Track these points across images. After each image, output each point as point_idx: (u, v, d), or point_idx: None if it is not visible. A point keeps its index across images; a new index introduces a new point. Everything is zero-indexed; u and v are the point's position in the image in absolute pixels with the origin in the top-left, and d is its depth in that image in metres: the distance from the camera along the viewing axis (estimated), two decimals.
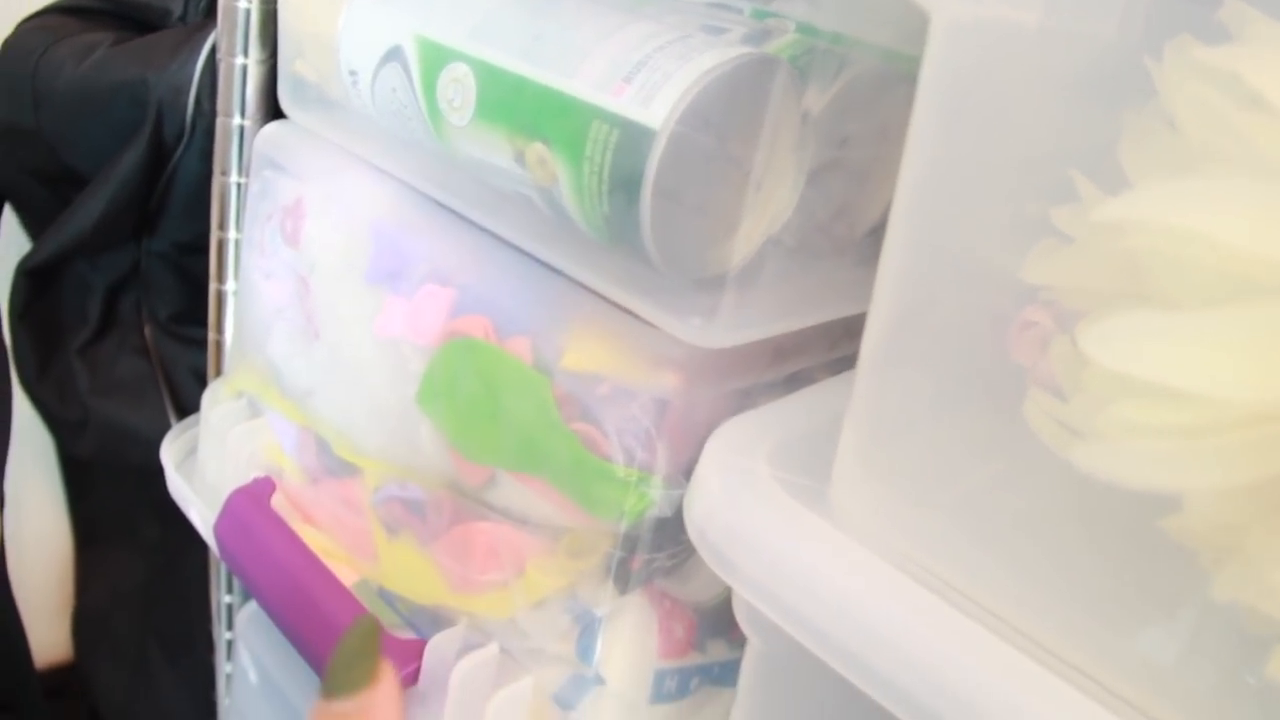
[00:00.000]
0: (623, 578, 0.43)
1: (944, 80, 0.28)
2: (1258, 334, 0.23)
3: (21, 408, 0.84)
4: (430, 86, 0.43)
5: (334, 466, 0.52)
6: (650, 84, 0.35)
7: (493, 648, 0.45)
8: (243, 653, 0.69)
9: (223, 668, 0.75)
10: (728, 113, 0.35)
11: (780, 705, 0.38)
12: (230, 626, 0.73)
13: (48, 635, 1.07)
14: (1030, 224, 0.27)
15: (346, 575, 0.51)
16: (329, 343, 0.51)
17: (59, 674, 1.08)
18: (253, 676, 0.69)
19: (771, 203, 0.37)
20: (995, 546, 0.30)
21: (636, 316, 0.39)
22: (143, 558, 0.91)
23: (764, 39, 0.37)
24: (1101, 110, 0.26)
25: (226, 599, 0.73)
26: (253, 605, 0.70)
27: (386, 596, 0.50)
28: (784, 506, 0.33)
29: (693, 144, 0.35)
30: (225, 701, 0.76)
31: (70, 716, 1.06)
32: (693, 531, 0.35)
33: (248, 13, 0.55)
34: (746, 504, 0.34)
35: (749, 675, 0.37)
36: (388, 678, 0.37)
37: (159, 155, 0.66)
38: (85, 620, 1.00)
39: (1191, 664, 0.27)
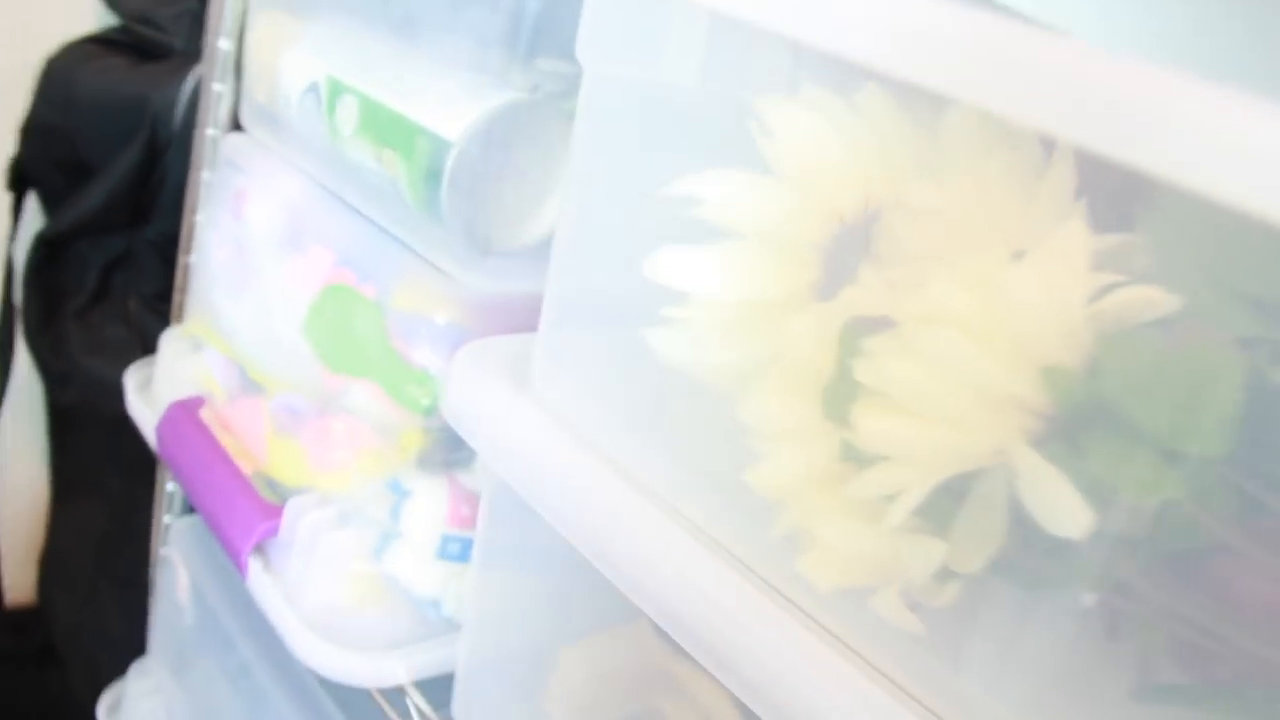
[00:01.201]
0: (427, 464, 0.63)
1: (588, 119, 0.49)
2: (738, 260, 0.43)
3: (19, 372, 1.05)
4: (331, 110, 0.64)
5: (248, 386, 0.72)
6: (454, 114, 0.56)
7: (332, 509, 0.64)
8: (176, 559, 0.88)
9: (157, 579, 0.94)
10: (501, 135, 0.56)
11: (505, 536, 0.57)
12: (166, 544, 0.93)
13: (20, 578, 1.26)
14: (649, 221, 0.46)
15: (246, 467, 0.71)
16: (253, 292, 0.71)
17: (24, 614, 1.26)
18: (182, 577, 0.88)
19: (537, 201, 0.57)
20: (631, 428, 0.49)
21: (440, 269, 0.60)
22: (105, 508, 1.10)
23: (537, 90, 0.58)
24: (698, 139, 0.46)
25: (167, 519, 0.93)
26: (185, 520, 0.90)
27: (272, 483, 0.70)
28: (503, 393, 0.53)
29: (475, 153, 0.56)
30: (157, 608, 0.95)
31: (29, 648, 1.24)
32: (446, 413, 0.55)
33: (225, 53, 0.76)
34: (477, 391, 0.54)
35: (485, 519, 0.56)
36: None
37: (152, 155, 0.88)
38: (48, 561, 1.19)
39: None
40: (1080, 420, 0.33)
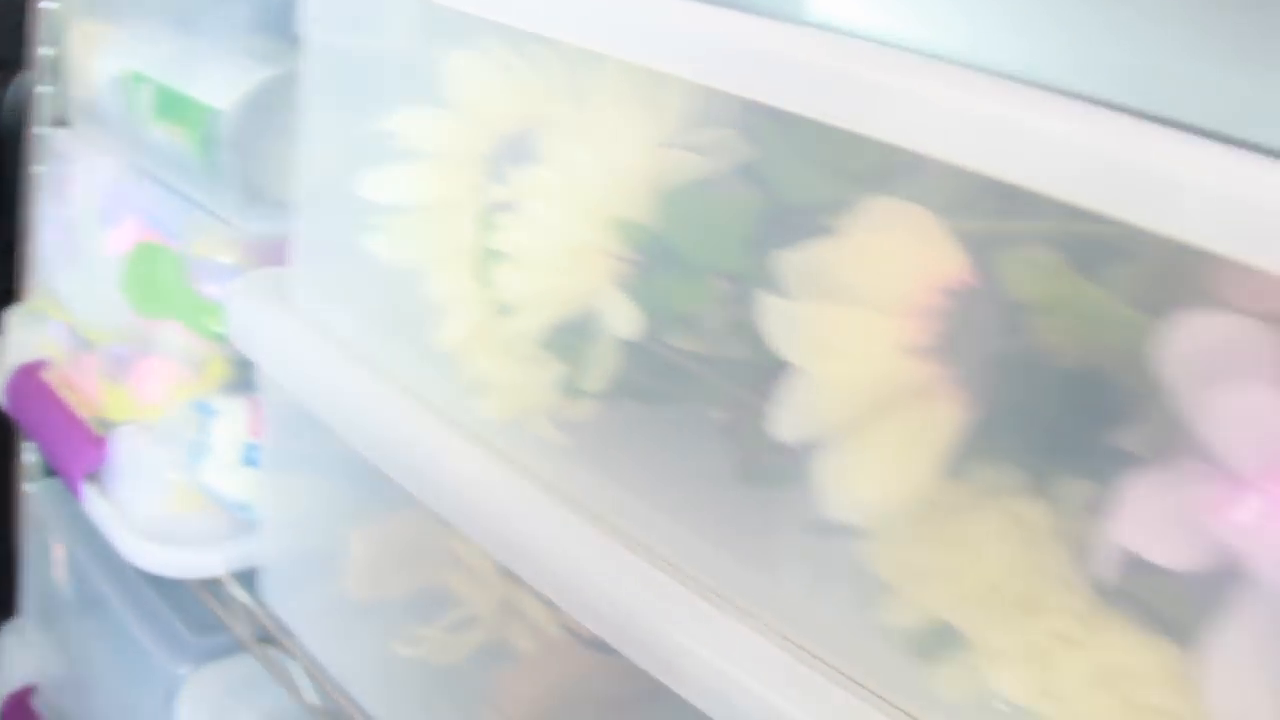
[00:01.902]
0: (233, 388, 0.76)
1: (311, 80, 0.62)
2: (422, 173, 0.56)
3: None
4: (135, 96, 0.77)
5: (82, 345, 0.85)
6: (224, 90, 0.70)
7: (151, 433, 0.77)
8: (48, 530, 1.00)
9: (24, 545, 1.05)
10: (263, 103, 0.69)
11: (287, 438, 0.71)
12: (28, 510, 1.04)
13: None
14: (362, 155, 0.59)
15: (85, 413, 0.83)
16: (81, 264, 0.84)
17: None
18: (59, 551, 0.99)
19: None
20: (370, 323, 0.62)
21: (226, 220, 0.73)
22: None
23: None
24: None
25: (27, 487, 1.04)
26: (42, 483, 1.01)
27: (106, 423, 0.83)
28: (270, 310, 0.66)
29: (241, 120, 0.69)
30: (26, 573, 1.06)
31: None
32: (228, 331, 0.68)
33: (48, 58, 0.89)
34: (254, 308, 0.67)
35: (269, 424, 0.69)
36: None
37: None
38: None
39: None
40: (652, 259, 0.47)
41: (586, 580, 0.46)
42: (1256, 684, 0.32)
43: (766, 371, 0.41)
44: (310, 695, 0.68)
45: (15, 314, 0.89)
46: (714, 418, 0.48)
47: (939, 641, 0.39)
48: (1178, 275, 0.33)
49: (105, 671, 0.90)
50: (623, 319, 0.44)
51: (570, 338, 0.48)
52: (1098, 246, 0.34)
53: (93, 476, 0.75)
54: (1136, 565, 0.35)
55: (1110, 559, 0.33)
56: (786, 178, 0.44)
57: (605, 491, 0.48)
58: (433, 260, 0.53)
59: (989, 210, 0.38)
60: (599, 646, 0.61)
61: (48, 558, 0.99)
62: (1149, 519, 0.32)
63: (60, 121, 0.88)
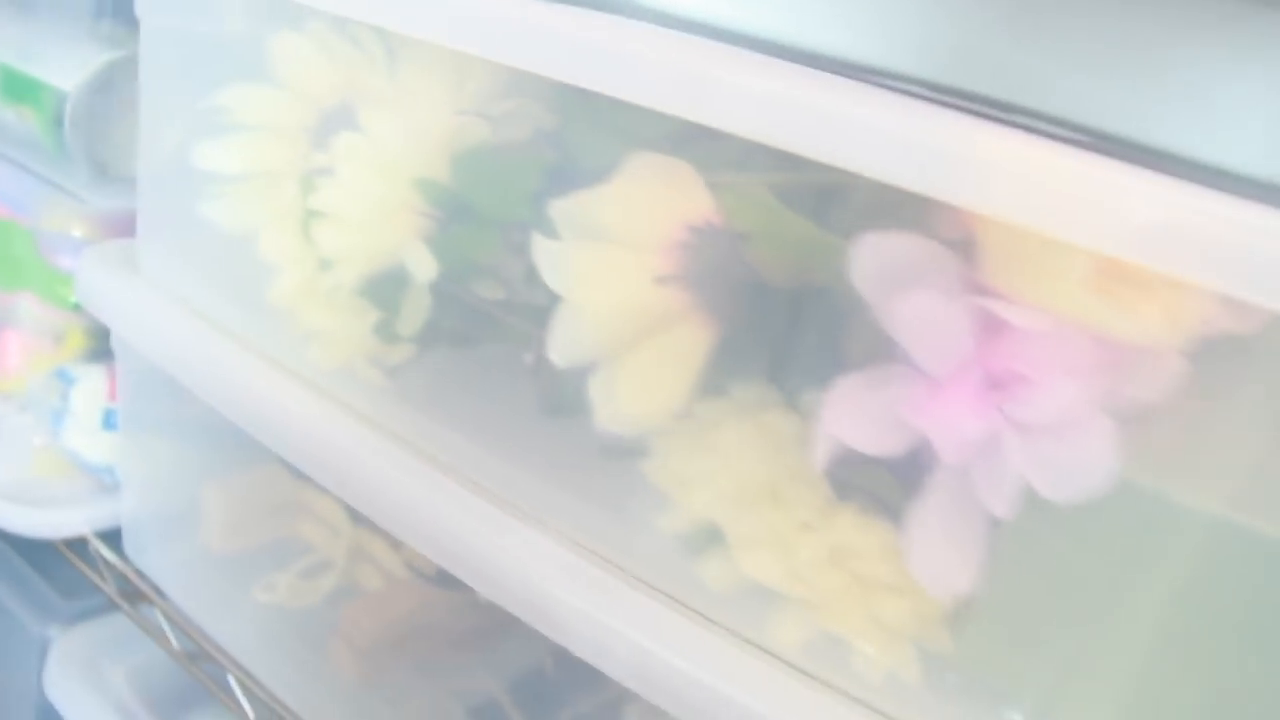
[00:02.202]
0: (87, 357, 0.80)
1: (148, 60, 0.67)
2: (251, 143, 0.61)
3: None
4: None
5: None
6: (69, 71, 0.74)
7: (13, 404, 0.81)
8: None
9: None
10: (107, 84, 0.74)
11: (140, 400, 0.75)
12: None
13: None
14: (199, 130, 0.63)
15: None
16: None
17: None
18: None
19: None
20: (211, 284, 0.67)
21: (75, 195, 0.77)
22: None
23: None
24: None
25: None
26: None
27: None
28: (119, 277, 0.70)
29: (88, 100, 0.73)
30: None
31: None
32: (80, 298, 0.72)
33: None
34: (104, 275, 0.71)
35: (122, 387, 0.74)
36: None
37: None
38: None
39: None
40: (449, 214, 0.53)
41: (414, 507, 0.51)
42: (946, 548, 0.39)
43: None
44: (176, 644, 0.73)
45: None
46: (519, 358, 0.54)
47: (705, 539, 0.45)
48: (872, 207, 0.39)
49: None
50: (423, 267, 0.49)
51: (385, 288, 0.54)
52: (811, 188, 0.41)
53: None
54: (859, 460, 0.42)
55: (824, 450, 0.39)
56: (576, 142, 0.50)
57: (426, 428, 0.54)
58: (263, 223, 0.58)
59: (733, 162, 0.44)
60: (441, 583, 0.67)
61: None
62: (856, 414, 0.39)
63: None
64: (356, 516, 0.71)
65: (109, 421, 0.75)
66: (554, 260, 0.42)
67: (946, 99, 0.48)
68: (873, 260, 0.36)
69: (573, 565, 0.47)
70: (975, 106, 0.56)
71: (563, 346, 0.42)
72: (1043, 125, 0.49)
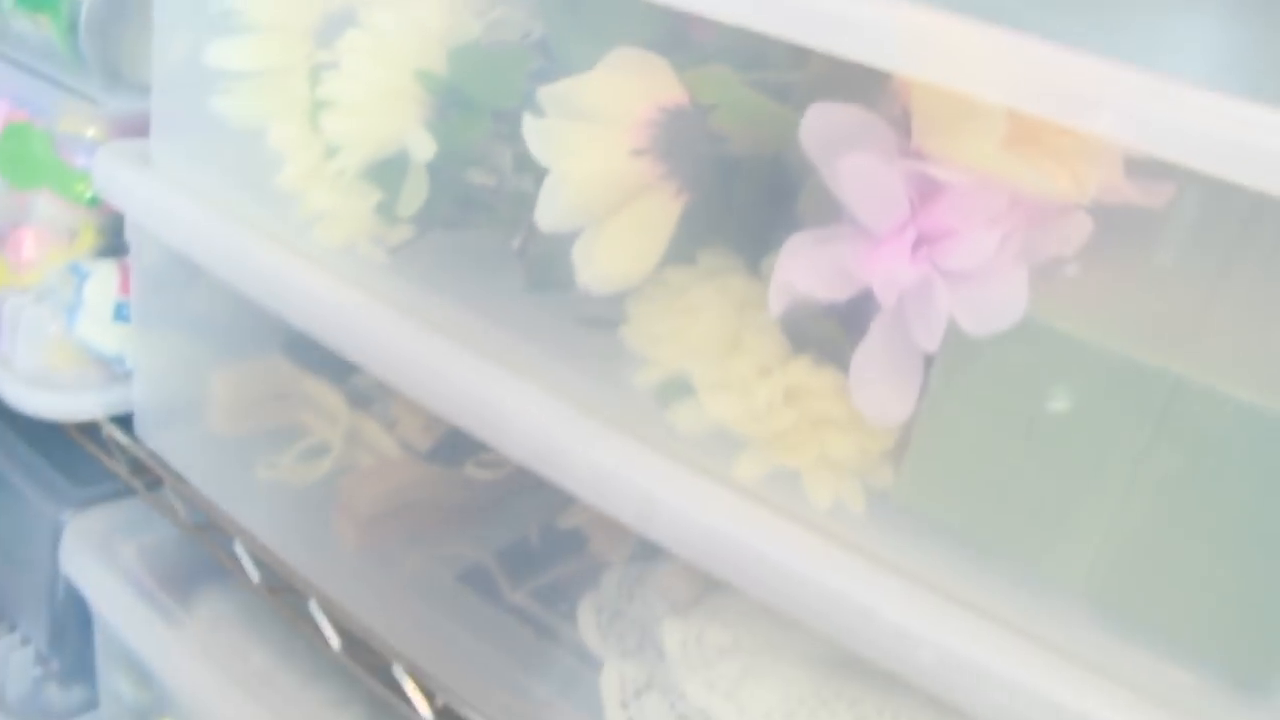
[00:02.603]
0: (99, 252, 0.86)
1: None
2: (259, 43, 0.66)
3: None
4: None
5: None
6: None
7: (30, 296, 0.86)
8: None
9: None
10: None
11: (151, 290, 0.81)
12: None
13: None
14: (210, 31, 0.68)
15: None
16: None
17: None
18: None
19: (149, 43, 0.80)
20: (222, 173, 0.73)
21: (90, 99, 0.82)
22: None
23: None
24: None
25: None
26: None
27: None
28: (137, 170, 0.76)
29: (102, 8, 0.78)
30: None
31: None
32: (98, 188, 0.78)
33: None
34: (121, 170, 0.77)
35: (135, 278, 0.79)
36: None
37: None
38: None
39: None
40: (447, 103, 0.59)
41: (415, 363, 0.58)
42: (886, 382, 0.45)
43: None
44: (187, 517, 0.79)
45: None
46: (507, 243, 0.60)
47: (675, 390, 0.52)
48: (820, 83, 0.45)
49: None
50: (422, 147, 0.55)
51: (387, 172, 0.60)
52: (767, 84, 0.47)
53: None
54: (811, 312, 0.48)
55: (779, 298, 0.46)
56: (559, 43, 0.55)
57: (424, 299, 0.60)
58: (272, 115, 0.63)
59: (707, 59, 0.50)
60: (432, 459, 0.73)
61: None
62: (807, 265, 0.45)
63: None
64: (354, 401, 0.77)
65: (120, 313, 0.81)
66: (541, 136, 0.48)
67: None
68: (820, 128, 0.42)
69: (559, 410, 0.53)
70: None
71: (549, 214, 0.48)
72: None
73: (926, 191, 0.42)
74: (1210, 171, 0.34)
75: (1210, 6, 0.80)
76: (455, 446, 0.72)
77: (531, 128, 0.47)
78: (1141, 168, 0.41)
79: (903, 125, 0.42)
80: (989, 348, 0.42)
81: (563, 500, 0.68)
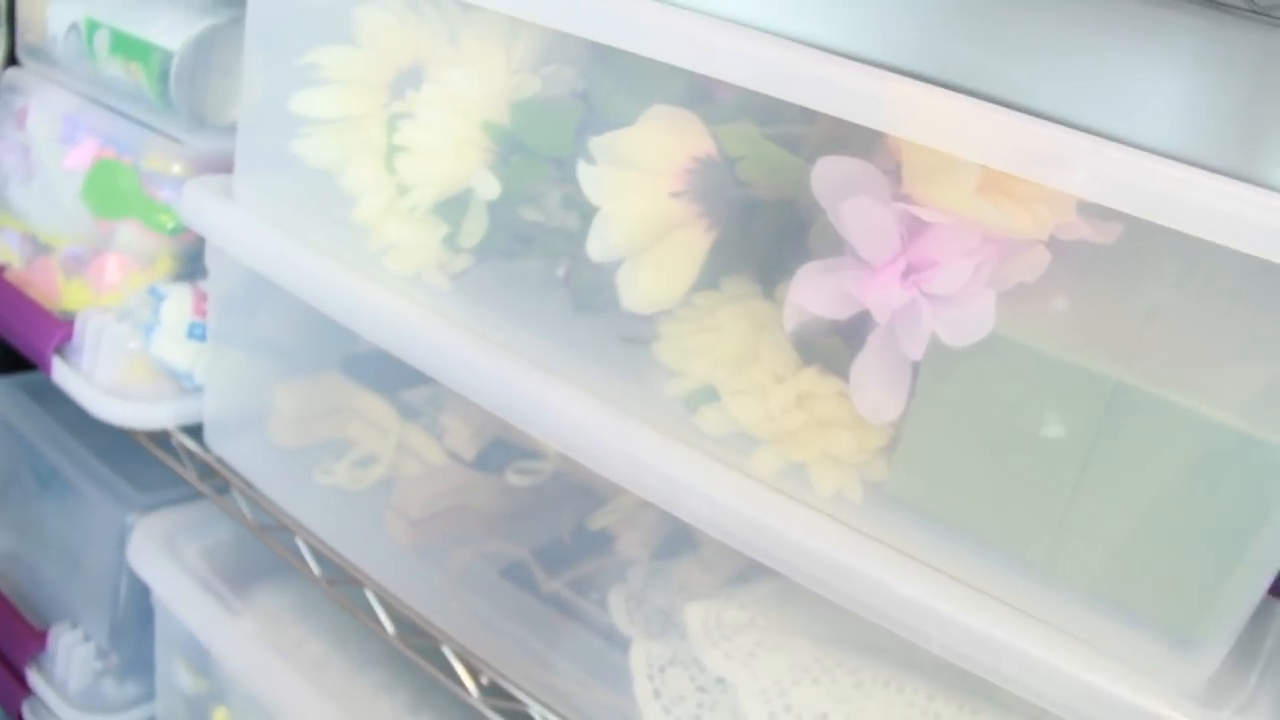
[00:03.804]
0: (175, 276, 0.96)
1: (252, 24, 0.82)
2: (339, 94, 0.77)
3: None
4: (90, 41, 0.96)
5: (40, 250, 1.03)
6: (175, 34, 0.89)
7: (111, 316, 0.96)
8: None
9: None
10: (207, 46, 0.89)
11: (227, 314, 0.90)
12: None
13: None
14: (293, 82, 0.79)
15: (46, 304, 1.02)
16: (39, 179, 1.03)
17: None
18: None
19: (237, 89, 0.91)
20: (297, 209, 0.82)
21: (175, 139, 0.93)
22: None
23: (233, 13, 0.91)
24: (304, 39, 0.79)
25: None
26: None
27: (66, 314, 1.01)
28: (221, 202, 0.86)
29: (191, 59, 0.89)
30: None
31: None
32: (184, 218, 0.88)
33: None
34: (207, 202, 0.87)
35: (212, 301, 0.89)
36: None
37: None
38: None
39: None
40: (508, 150, 0.69)
41: (475, 370, 0.67)
42: (880, 385, 0.55)
43: (587, 236, 0.58)
44: (252, 517, 0.88)
45: None
46: (552, 272, 0.70)
47: (702, 396, 0.61)
48: (823, 143, 0.55)
49: (57, 536, 1.08)
50: (488, 188, 0.65)
51: (453, 208, 0.69)
52: (784, 136, 0.57)
53: (60, 352, 0.94)
54: (818, 329, 0.58)
55: (792, 316, 0.56)
56: (601, 99, 0.65)
57: (483, 317, 0.70)
58: (348, 158, 0.73)
59: (725, 115, 0.60)
60: (478, 466, 0.83)
61: None
62: (816, 289, 0.55)
63: (10, 62, 1.06)
64: (405, 413, 0.86)
65: (192, 332, 0.90)
66: (594, 180, 0.58)
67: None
68: (828, 176, 0.52)
69: (602, 409, 0.63)
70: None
71: (599, 246, 0.58)
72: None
73: (914, 229, 0.51)
74: (1155, 221, 0.44)
75: (1171, 63, 0.90)
76: (498, 455, 0.80)
77: (586, 173, 0.57)
78: (1094, 209, 0.50)
79: (895, 174, 0.52)
80: (964, 358, 0.51)
81: (593, 504, 0.77)
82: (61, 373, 0.91)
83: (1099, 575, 0.52)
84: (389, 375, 0.84)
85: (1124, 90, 0.93)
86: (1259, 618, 0.54)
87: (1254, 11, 0.85)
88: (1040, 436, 0.51)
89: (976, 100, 0.48)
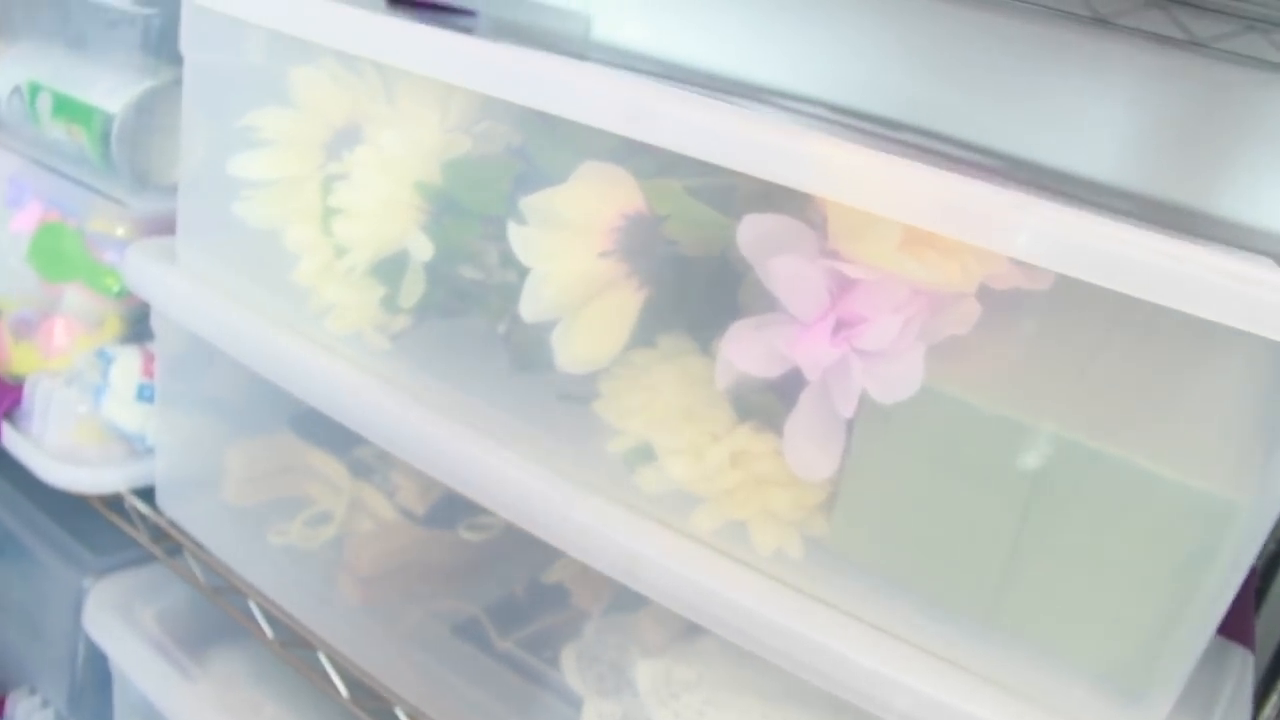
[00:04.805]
0: (124, 338, 0.95)
1: (190, 88, 0.82)
2: (274, 156, 0.77)
3: None
4: (33, 103, 0.95)
5: None
6: (115, 97, 0.89)
7: (60, 379, 0.95)
8: None
9: None
10: (148, 107, 0.89)
11: (173, 376, 0.90)
12: None
13: None
14: (231, 145, 0.79)
15: None
16: None
17: None
18: None
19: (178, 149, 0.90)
20: (238, 271, 0.82)
21: (118, 201, 0.92)
22: None
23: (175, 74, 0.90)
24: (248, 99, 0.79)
25: None
26: None
27: (15, 378, 1.01)
28: (164, 266, 0.85)
29: (132, 121, 0.88)
30: None
31: None
32: (129, 282, 0.87)
33: None
34: (149, 266, 0.86)
35: (160, 364, 0.89)
36: None
37: None
38: None
39: None
40: (441, 209, 0.68)
41: (414, 435, 0.67)
42: (814, 443, 0.55)
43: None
44: (205, 581, 0.87)
45: None
46: (493, 329, 0.69)
47: (640, 455, 0.61)
48: (753, 198, 0.55)
49: (12, 601, 1.07)
50: (422, 249, 0.64)
51: (390, 269, 0.69)
52: (712, 188, 0.57)
53: (8, 417, 0.93)
54: (752, 387, 0.57)
55: (724, 374, 0.55)
56: (536, 154, 0.65)
57: (422, 379, 0.69)
58: (287, 219, 0.73)
59: (655, 170, 0.60)
60: (429, 523, 0.82)
61: None
62: (747, 347, 0.54)
63: None
64: (355, 471, 0.85)
65: (142, 394, 0.90)
66: (524, 241, 0.57)
67: (844, 120, 0.64)
68: (753, 234, 0.52)
69: (541, 474, 0.62)
70: (868, 126, 0.73)
71: (531, 307, 0.58)
72: (924, 141, 0.65)
73: (843, 285, 0.51)
74: (1092, 282, 0.44)
75: (1115, 95, 0.90)
76: (449, 511, 0.79)
77: (516, 234, 0.56)
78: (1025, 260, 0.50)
79: (823, 228, 0.52)
80: (897, 412, 0.51)
81: (546, 558, 0.77)
82: (11, 438, 0.90)
83: (1042, 629, 0.51)
84: (339, 433, 0.83)
85: (1071, 124, 0.93)
86: (1210, 663, 0.54)
87: (1193, 43, 0.85)
88: (977, 491, 0.50)
89: (898, 158, 0.48)
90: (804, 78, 0.92)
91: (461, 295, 0.68)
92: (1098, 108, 0.95)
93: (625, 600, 0.76)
